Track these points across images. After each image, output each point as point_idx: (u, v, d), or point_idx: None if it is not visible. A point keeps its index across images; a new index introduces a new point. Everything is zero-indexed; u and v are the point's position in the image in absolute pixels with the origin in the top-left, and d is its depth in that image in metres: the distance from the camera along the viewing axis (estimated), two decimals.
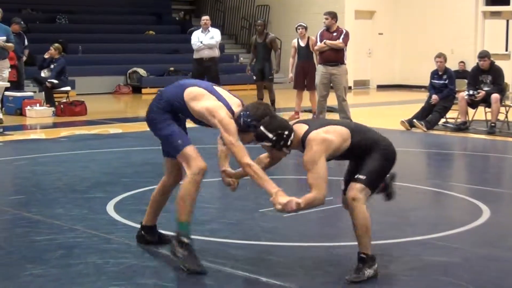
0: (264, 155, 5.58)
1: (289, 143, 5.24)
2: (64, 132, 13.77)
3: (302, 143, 5.25)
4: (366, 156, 5.34)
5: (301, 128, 5.30)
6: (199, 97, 5.49)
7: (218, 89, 5.64)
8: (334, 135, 5.24)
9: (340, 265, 5.59)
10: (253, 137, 5.31)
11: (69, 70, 17.49)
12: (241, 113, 5.32)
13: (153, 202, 6.01)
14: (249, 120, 5.26)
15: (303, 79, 15.75)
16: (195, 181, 5.41)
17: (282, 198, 5.15)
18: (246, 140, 5.34)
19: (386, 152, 5.37)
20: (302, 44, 15.82)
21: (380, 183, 5.49)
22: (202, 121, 5.56)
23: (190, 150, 5.50)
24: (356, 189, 5.27)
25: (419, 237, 6.41)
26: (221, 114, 5.34)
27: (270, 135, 5.21)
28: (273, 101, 16.33)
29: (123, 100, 21.46)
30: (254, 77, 16.69)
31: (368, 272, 5.23)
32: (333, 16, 14.27)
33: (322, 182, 5.15)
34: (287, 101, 17.33)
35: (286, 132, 5.22)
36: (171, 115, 5.61)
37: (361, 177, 5.29)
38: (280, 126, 5.23)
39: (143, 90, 22.62)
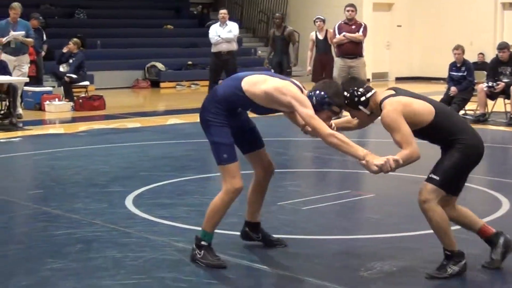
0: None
1: (363, 99, 5.18)
2: (83, 126, 13.81)
3: (379, 106, 5.15)
4: (447, 149, 5.19)
5: (385, 93, 5.22)
6: (261, 81, 5.35)
7: (276, 74, 5.58)
8: (415, 103, 5.13)
9: (359, 258, 5.58)
10: (327, 116, 5.29)
11: (87, 64, 17.54)
12: (312, 93, 5.29)
13: (251, 202, 5.84)
14: (324, 97, 5.23)
15: (321, 72, 15.69)
16: (229, 199, 5.37)
17: (377, 160, 5.04)
18: (322, 119, 5.24)
19: (467, 147, 5.13)
20: (320, 37, 15.76)
21: (458, 183, 5.27)
22: (267, 108, 5.41)
23: (232, 167, 5.34)
24: (427, 191, 5.12)
25: None
26: (292, 90, 5.24)
27: (345, 93, 5.22)
28: None
29: (141, 94, 21.50)
30: (272, 70, 16.65)
31: (452, 269, 5.12)
32: (355, 8, 14.28)
33: (410, 137, 5.03)
34: None
35: (361, 90, 5.19)
36: (227, 117, 5.40)
37: (435, 177, 5.13)
38: (355, 84, 5.25)
39: (162, 84, 22.67)
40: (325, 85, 5.33)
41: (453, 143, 5.14)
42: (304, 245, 5.92)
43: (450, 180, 5.14)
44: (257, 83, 5.34)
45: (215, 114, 5.38)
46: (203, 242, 5.41)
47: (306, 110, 5.15)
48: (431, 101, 5.25)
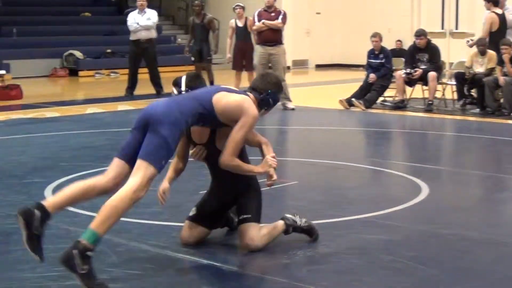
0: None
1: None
2: (0, 116, 13.53)
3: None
4: None
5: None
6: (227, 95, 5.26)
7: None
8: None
9: (282, 245, 5.59)
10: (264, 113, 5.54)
11: (3, 53, 17.23)
12: (265, 94, 5.41)
13: (74, 192, 5.07)
14: (276, 99, 5.52)
15: (241, 60, 15.68)
16: (136, 197, 4.73)
17: (263, 165, 5.37)
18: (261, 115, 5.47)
19: None
20: (240, 24, 15.74)
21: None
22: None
23: (156, 173, 4.88)
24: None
25: (359, 216, 6.43)
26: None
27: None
28: (212, 82, 16.27)
29: (59, 83, 21.18)
30: (193, 58, 16.59)
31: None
32: None
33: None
34: (226, 82, 17.17)
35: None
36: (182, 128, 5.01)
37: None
38: None
39: (80, 73, 22.38)
40: (276, 84, 5.47)
41: None
42: (227, 234, 5.89)
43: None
44: (224, 96, 5.22)
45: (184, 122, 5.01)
46: (89, 253, 4.63)
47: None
48: None
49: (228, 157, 5.17)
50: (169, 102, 5.06)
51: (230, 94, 5.22)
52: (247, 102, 5.20)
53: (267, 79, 5.44)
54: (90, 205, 6.74)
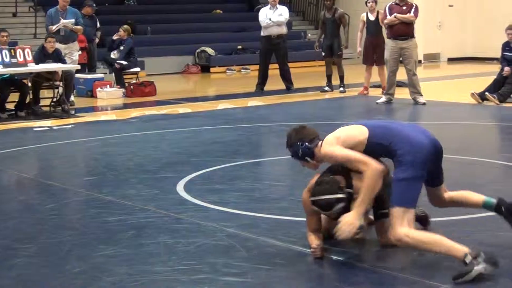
0: None
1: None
2: (134, 112, 13.88)
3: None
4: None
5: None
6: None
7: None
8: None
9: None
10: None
11: (138, 51, 17.63)
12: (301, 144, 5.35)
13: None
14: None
15: (373, 54, 15.56)
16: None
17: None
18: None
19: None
20: (372, 18, 15.60)
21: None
22: None
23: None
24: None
25: (492, 213, 6.27)
26: None
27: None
28: (342, 77, 16.22)
29: (192, 79, 21.54)
30: (323, 53, 16.56)
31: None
32: None
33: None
34: (356, 76, 17.18)
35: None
36: None
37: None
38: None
39: (212, 69, 22.71)
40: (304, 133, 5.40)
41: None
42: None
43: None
44: None
45: None
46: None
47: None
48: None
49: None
50: None
51: None
52: None
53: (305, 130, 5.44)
54: (221, 200, 6.87)
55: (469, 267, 4.67)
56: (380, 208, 5.35)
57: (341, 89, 16.20)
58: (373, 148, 5.16)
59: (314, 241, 5.25)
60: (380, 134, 5.19)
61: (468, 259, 4.68)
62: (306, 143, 5.29)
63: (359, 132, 5.23)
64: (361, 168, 5.03)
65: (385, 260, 5.21)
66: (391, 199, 5.02)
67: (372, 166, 5.00)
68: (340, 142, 5.19)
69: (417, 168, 5.01)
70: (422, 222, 5.71)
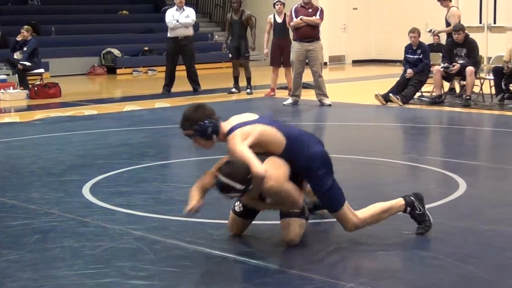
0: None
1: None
2: (39, 114, 13.64)
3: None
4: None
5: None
6: None
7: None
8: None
9: (319, 242, 5.57)
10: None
11: (42, 51, 17.34)
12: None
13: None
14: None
15: (280, 56, 15.67)
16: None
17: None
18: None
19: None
20: (279, 20, 15.71)
21: None
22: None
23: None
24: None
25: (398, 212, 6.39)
26: None
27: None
28: (249, 79, 16.29)
29: (97, 81, 21.32)
30: (230, 55, 16.60)
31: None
32: None
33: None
34: (263, 78, 17.29)
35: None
36: None
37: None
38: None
39: (118, 71, 22.51)
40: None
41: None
42: (262, 231, 5.88)
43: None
44: None
45: None
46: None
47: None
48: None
49: None
50: None
51: None
52: None
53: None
54: (127, 203, 6.81)
55: (422, 217, 5.66)
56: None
57: (248, 90, 16.28)
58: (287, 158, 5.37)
59: (195, 198, 5.36)
60: (294, 148, 5.38)
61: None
62: (213, 120, 5.31)
63: (278, 143, 5.35)
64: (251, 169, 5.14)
65: (291, 260, 5.25)
66: (330, 207, 5.51)
67: (254, 171, 5.11)
68: (250, 142, 5.24)
69: (330, 173, 5.47)
70: None
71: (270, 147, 5.33)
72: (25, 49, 16.52)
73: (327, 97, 14.21)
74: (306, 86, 15.42)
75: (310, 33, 14.04)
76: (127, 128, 11.73)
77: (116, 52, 22.74)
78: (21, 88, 16.14)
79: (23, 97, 15.84)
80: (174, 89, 16.65)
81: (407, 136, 11.51)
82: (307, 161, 5.37)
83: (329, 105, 14.03)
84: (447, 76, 14.20)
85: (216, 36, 25.70)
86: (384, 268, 5.06)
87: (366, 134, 11.20)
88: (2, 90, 15.70)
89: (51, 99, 15.71)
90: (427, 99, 14.55)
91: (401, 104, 14.01)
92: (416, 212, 5.71)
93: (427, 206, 5.83)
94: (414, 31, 14.48)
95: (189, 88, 16.74)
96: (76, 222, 6.24)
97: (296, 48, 14.17)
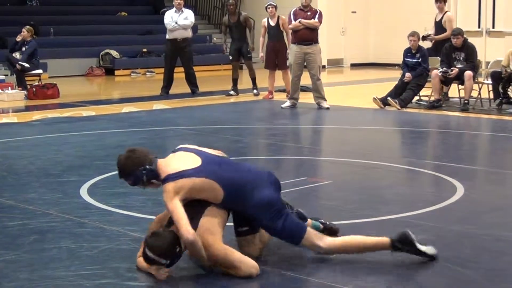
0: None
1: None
2: (37, 115, 13.64)
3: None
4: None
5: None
6: None
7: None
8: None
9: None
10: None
11: (41, 52, 17.33)
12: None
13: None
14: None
15: (275, 59, 15.67)
16: None
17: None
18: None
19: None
20: (272, 23, 15.71)
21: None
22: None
23: None
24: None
25: (394, 216, 6.41)
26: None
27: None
28: (254, 79, 16.30)
29: (96, 82, 21.31)
30: (231, 57, 16.59)
31: None
32: None
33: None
34: (260, 81, 17.26)
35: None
36: None
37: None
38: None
39: (116, 72, 22.51)
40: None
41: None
42: None
43: None
44: None
45: None
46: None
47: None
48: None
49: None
50: None
51: None
52: None
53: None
54: (125, 204, 6.82)
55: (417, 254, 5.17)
56: (238, 226, 5.31)
57: (255, 91, 16.27)
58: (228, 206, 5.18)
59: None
60: (235, 198, 5.12)
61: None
62: (147, 166, 5.10)
63: (213, 196, 5.10)
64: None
65: (287, 262, 5.24)
66: (291, 242, 5.21)
67: (183, 236, 4.88)
68: (183, 196, 5.02)
69: (280, 214, 5.13)
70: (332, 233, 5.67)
71: (207, 198, 5.10)
72: (23, 49, 16.51)
73: (325, 100, 14.21)
74: (305, 89, 15.43)
75: (308, 36, 14.05)
76: (125, 129, 11.73)
77: (114, 53, 22.73)
78: (19, 88, 16.13)
79: (21, 97, 15.84)
80: (172, 91, 16.64)
81: (405, 140, 11.51)
82: (251, 210, 5.12)
83: (327, 108, 14.04)
84: (446, 80, 14.21)
85: (215, 38, 25.70)
86: (380, 271, 5.06)
87: (364, 138, 11.20)
88: (0, 91, 15.68)
89: (49, 100, 15.71)
90: (425, 103, 14.56)
91: (399, 108, 14.02)
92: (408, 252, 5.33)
93: (424, 210, 5.83)
94: (414, 35, 14.49)
95: (188, 90, 16.73)
96: (74, 223, 6.24)
97: (294, 51, 14.18)
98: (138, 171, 5.09)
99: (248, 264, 4.93)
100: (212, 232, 4.97)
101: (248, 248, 5.22)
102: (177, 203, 4.94)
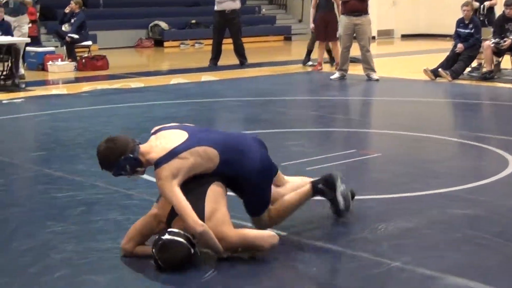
0: None
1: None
2: (86, 87, 13.71)
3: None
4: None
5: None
6: None
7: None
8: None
9: (364, 219, 5.49)
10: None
11: (90, 24, 17.38)
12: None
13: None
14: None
15: (324, 30, 15.49)
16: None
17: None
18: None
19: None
20: None
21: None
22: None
23: None
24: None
25: (444, 190, 6.29)
26: None
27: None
28: (329, 52, 16.16)
29: (145, 53, 21.35)
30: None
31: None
32: None
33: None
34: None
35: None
36: None
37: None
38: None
39: (165, 44, 22.50)
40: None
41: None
42: (307, 207, 5.81)
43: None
44: None
45: None
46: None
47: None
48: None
49: None
50: None
51: None
52: None
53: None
54: None
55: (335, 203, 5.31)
56: None
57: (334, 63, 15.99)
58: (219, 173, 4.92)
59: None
60: (229, 157, 4.89)
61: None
62: (129, 155, 4.80)
63: (211, 165, 4.86)
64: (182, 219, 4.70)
65: (334, 237, 5.19)
66: (254, 212, 5.09)
67: (191, 229, 4.63)
68: (181, 179, 4.74)
69: (268, 182, 5.10)
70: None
71: (204, 170, 4.85)
72: (73, 21, 16.56)
73: (375, 71, 14.05)
74: (354, 60, 15.26)
75: (358, 7, 13.88)
76: (173, 101, 11.72)
77: (163, 25, 22.73)
78: (69, 60, 16.21)
79: (71, 69, 15.90)
80: (220, 62, 16.60)
81: (456, 112, 11.35)
82: (244, 170, 4.91)
83: (377, 80, 13.88)
84: (498, 51, 13.95)
85: (264, 10, 25.56)
86: (429, 247, 4.97)
87: (414, 110, 11.05)
88: (50, 62, 15.78)
89: (98, 72, 15.75)
90: (477, 75, 14.32)
91: (450, 79, 13.82)
92: (328, 197, 5.35)
93: (476, 184, 5.72)
94: (468, 5, 14.23)
95: (236, 61, 16.68)
96: (121, 195, 6.24)
97: (344, 22, 14.02)
98: (120, 161, 4.80)
99: (265, 237, 4.74)
100: (223, 222, 4.72)
101: (257, 224, 5.12)
102: (177, 191, 4.66)
